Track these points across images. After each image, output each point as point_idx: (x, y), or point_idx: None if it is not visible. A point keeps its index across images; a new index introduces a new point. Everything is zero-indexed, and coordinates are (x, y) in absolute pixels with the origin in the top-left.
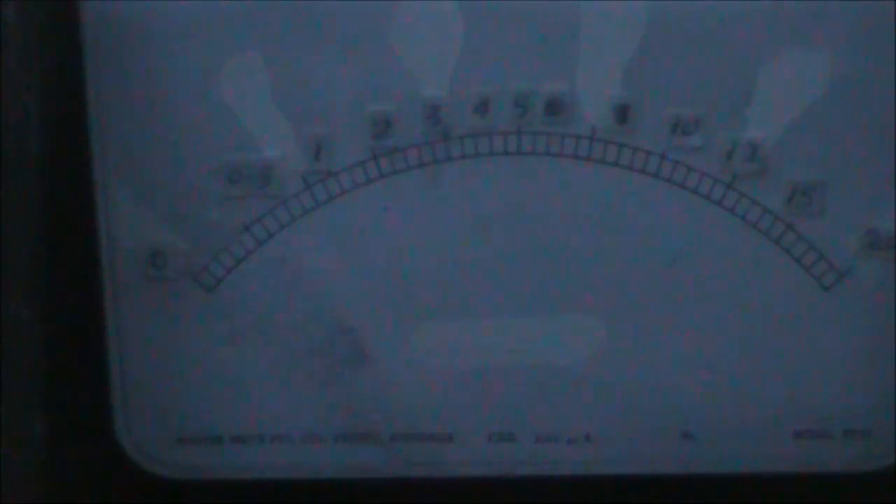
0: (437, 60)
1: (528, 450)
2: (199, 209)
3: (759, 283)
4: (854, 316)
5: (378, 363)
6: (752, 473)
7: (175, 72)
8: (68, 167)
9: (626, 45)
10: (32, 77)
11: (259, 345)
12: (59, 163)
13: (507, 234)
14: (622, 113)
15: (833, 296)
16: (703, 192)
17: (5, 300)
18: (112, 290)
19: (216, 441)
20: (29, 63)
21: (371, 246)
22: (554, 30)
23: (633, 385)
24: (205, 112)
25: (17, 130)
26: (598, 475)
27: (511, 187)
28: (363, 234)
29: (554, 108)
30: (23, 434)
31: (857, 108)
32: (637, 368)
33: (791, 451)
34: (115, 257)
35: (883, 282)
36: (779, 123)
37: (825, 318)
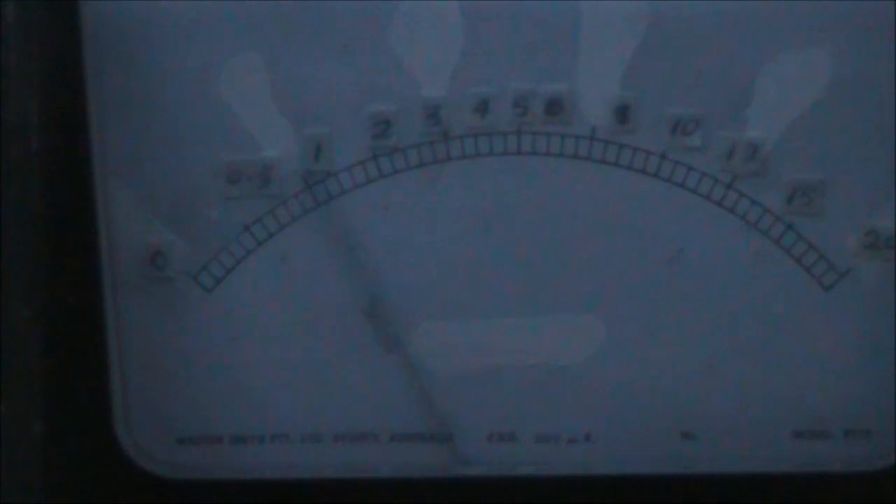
0: (437, 60)
1: (528, 450)
2: (199, 209)
3: (759, 283)
4: (854, 316)
5: (378, 363)
6: (752, 473)
7: (175, 71)
8: (68, 167)
9: (626, 45)
10: (32, 77)
11: (259, 345)
12: (59, 163)
13: (507, 234)
14: (622, 113)
15: (833, 296)
16: (703, 192)
17: (5, 300)
18: (112, 290)
19: (216, 441)
20: (29, 63)
21: (371, 246)
22: (554, 30)
23: (633, 385)
24: (205, 112)
25: (17, 130)
26: (598, 475)
27: (511, 187)
28: (363, 234)
29: (554, 108)
30: (23, 434)
31: (857, 108)
32: (637, 368)
33: (791, 451)
34: (115, 257)
35: (883, 282)
36: (779, 123)
37: (825, 318)
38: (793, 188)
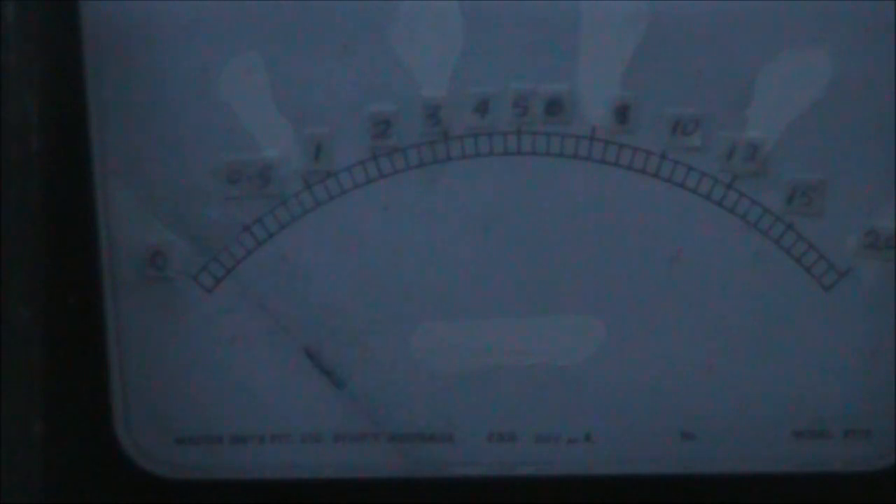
0: (437, 60)
1: (528, 450)
2: (199, 209)
3: (759, 283)
4: (854, 316)
5: (378, 363)
6: (752, 473)
7: (175, 72)
8: (68, 167)
9: (626, 45)
10: (32, 77)
11: (259, 345)
12: (59, 163)
13: (507, 234)
14: (622, 113)
15: (833, 296)
16: (703, 192)
17: (5, 300)
18: (112, 290)
19: (216, 441)
20: (29, 63)
21: (371, 246)
22: (554, 30)
23: (633, 385)
24: (205, 112)
25: (17, 130)
26: (598, 475)
27: (511, 187)
28: (363, 234)
29: (554, 108)
30: (23, 434)
31: (857, 108)
32: (637, 368)
33: (791, 451)
34: (115, 257)
35: (883, 282)
36: (779, 123)
37: (825, 318)
38: (793, 188)
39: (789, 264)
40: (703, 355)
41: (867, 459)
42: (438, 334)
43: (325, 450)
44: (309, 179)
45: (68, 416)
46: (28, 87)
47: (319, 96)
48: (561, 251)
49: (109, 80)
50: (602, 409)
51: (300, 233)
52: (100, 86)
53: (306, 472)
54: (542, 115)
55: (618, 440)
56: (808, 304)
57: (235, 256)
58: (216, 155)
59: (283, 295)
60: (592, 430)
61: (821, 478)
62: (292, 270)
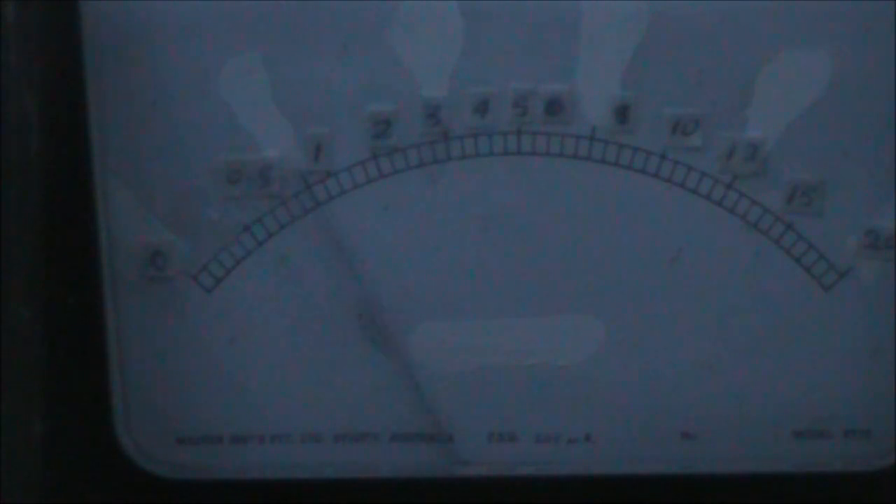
0: (437, 60)
1: (528, 450)
2: (199, 209)
3: (759, 283)
4: (854, 316)
5: (378, 363)
6: (752, 473)
7: (175, 72)
8: (68, 167)
9: (626, 45)
10: (32, 77)
11: (259, 345)
12: (59, 163)
13: (506, 234)
14: (622, 113)
15: (833, 296)
16: (703, 192)
17: (5, 300)
18: (112, 290)
19: (216, 441)
20: (29, 63)
21: (371, 245)
22: (554, 30)
23: (633, 385)
24: (205, 112)
25: (17, 130)
26: (598, 475)
27: (511, 187)
28: (363, 234)
29: (554, 108)
30: (23, 434)
31: (857, 109)
32: (637, 368)
33: (791, 451)
34: (115, 257)
35: (883, 282)
36: (779, 123)
37: (825, 318)
38: (793, 188)
39: (789, 264)
40: (703, 355)
41: (867, 459)
42: (438, 334)
43: (325, 450)
44: (309, 179)
45: (68, 416)
46: (28, 87)
47: (319, 96)
48: (561, 251)
49: (109, 80)
50: (602, 409)
51: (300, 233)
52: (100, 86)
53: (306, 472)
54: (542, 115)
55: (618, 440)
56: (808, 304)
57: (235, 256)
58: (216, 155)
59: (282, 295)
60: (592, 430)
61: (821, 478)
62: (292, 270)
